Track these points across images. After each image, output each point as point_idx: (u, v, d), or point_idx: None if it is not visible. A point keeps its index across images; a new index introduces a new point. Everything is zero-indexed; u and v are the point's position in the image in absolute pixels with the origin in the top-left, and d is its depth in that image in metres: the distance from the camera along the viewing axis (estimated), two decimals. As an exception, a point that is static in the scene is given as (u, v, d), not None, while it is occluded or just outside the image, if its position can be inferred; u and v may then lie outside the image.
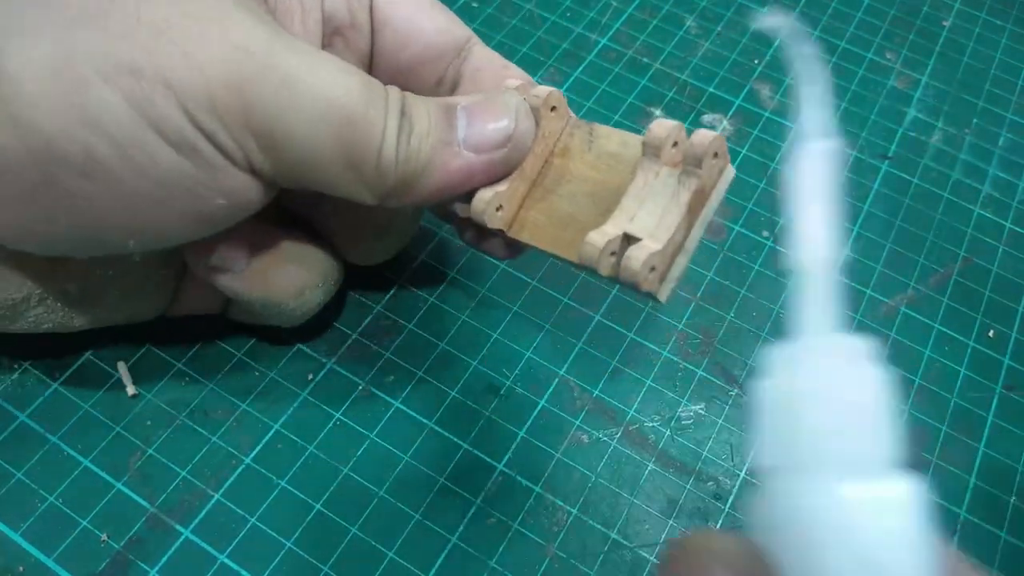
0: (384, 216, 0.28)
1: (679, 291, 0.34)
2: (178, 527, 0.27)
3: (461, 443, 0.29)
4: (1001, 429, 0.32)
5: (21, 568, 0.26)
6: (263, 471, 0.28)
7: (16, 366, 0.30)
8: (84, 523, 0.27)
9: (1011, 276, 0.36)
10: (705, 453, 0.30)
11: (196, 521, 0.27)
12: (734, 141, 0.39)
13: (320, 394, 0.30)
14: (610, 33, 0.43)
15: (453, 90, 0.26)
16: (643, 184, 0.21)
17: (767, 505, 0.12)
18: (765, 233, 0.36)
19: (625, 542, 0.28)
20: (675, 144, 0.21)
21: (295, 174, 0.21)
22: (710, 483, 0.30)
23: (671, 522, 0.28)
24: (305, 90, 0.20)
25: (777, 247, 0.36)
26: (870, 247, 0.36)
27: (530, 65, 0.41)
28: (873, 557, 0.11)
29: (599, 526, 0.28)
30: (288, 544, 0.27)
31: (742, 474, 0.30)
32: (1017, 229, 0.37)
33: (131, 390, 0.29)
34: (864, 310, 0.34)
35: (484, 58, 0.26)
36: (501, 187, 0.23)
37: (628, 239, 0.21)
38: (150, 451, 0.28)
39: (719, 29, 0.44)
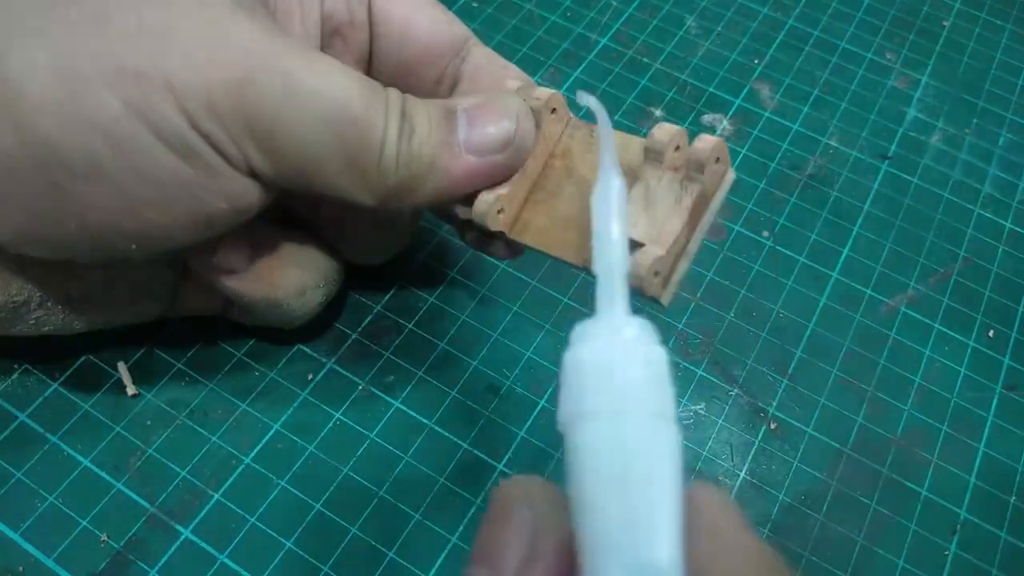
0: (384, 217, 0.28)
1: (679, 291, 0.34)
2: (178, 527, 0.27)
3: (461, 443, 0.29)
4: (1001, 429, 0.32)
5: (21, 568, 0.26)
6: (263, 471, 0.28)
7: (16, 366, 0.30)
8: (84, 523, 0.27)
9: (1011, 276, 0.36)
10: (705, 453, 0.30)
11: (196, 521, 0.27)
12: (734, 141, 0.39)
13: (320, 394, 0.30)
14: (610, 33, 0.43)
15: (452, 90, 0.26)
16: (645, 189, 0.21)
17: (566, 454, 0.14)
18: (765, 233, 0.36)
19: (625, 542, 0.28)
20: (677, 148, 0.21)
21: (295, 177, 0.21)
22: (710, 483, 0.30)
23: (671, 522, 0.28)
24: (306, 93, 0.20)
25: (777, 247, 0.36)
26: (870, 247, 0.36)
27: (530, 65, 0.41)
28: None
29: (599, 526, 0.28)
30: (288, 544, 0.27)
31: (742, 474, 0.30)
32: (1017, 229, 0.37)
33: (131, 390, 0.29)
34: (864, 310, 0.34)
35: (483, 58, 0.26)
36: (502, 190, 0.23)
37: (631, 244, 0.21)
38: (150, 451, 0.28)
39: (719, 29, 0.44)
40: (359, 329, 0.32)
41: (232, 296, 0.26)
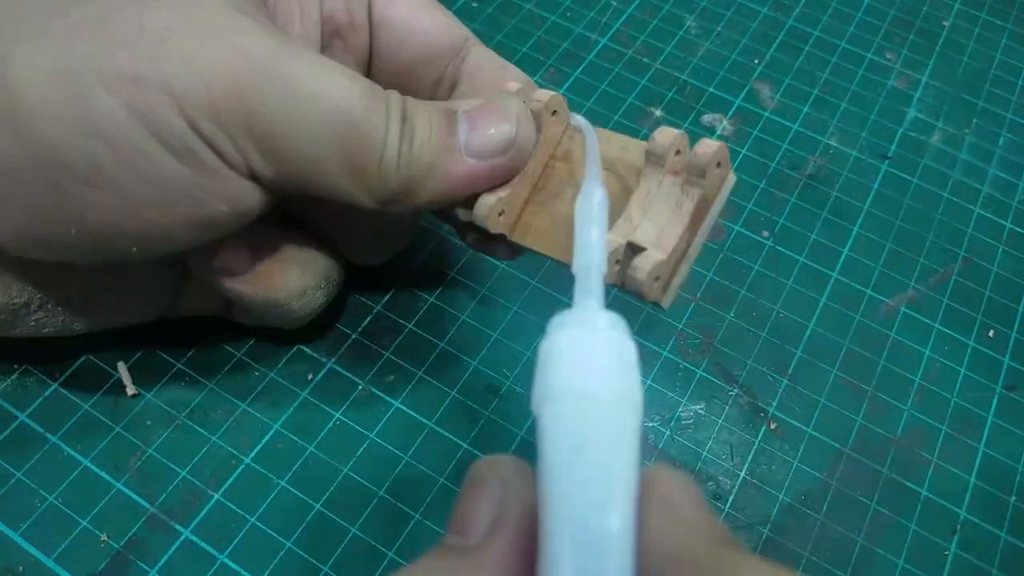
0: (384, 218, 0.28)
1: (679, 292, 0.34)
2: (178, 527, 0.27)
3: (461, 443, 0.29)
4: (1001, 429, 0.32)
5: (21, 568, 0.26)
6: (263, 471, 0.28)
7: (16, 366, 0.30)
8: (84, 523, 0.27)
9: (1011, 276, 0.36)
10: (705, 453, 0.30)
11: (196, 521, 0.27)
12: (734, 141, 0.39)
13: (320, 394, 0.30)
14: (610, 33, 0.43)
15: (452, 90, 0.26)
16: (646, 192, 0.21)
17: (536, 433, 0.15)
18: (765, 233, 0.36)
19: (625, 542, 0.28)
20: (678, 152, 0.21)
21: (296, 180, 0.21)
22: (710, 483, 0.30)
23: (671, 522, 0.28)
24: (307, 96, 0.20)
25: (777, 247, 0.36)
26: (870, 247, 0.36)
27: (530, 65, 0.41)
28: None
29: (599, 526, 0.28)
30: (288, 544, 0.27)
31: (742, 474, 0.30)
32: (1017, 229, 0.37)
33: (131, 390, 0.29)
34: (864, 310, 0.34)
35: (483, 58, 0.26)
36: (503, 192, 0.23)
37: (632, 248, 0.21)
38: (150, 451, 0.28)
39: (719, 29, 0.44)
40: (359, 329, 0.32)
41: (233, 297, 0.26)
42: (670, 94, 0.41)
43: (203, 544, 0.27)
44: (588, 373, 0.15)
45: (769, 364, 0.32)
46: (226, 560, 0.27)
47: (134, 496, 0.27)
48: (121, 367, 0.30)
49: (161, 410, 0.29)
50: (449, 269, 0.34)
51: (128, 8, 0.19)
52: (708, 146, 0.20)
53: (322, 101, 0.20)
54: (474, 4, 0.43)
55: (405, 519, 0.28)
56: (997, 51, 0.44)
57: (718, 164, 0.21)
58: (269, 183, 0.21)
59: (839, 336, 0.33)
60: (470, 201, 0.23)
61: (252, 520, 0.27)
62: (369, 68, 0.27)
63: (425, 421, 0.30)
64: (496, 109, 0.22)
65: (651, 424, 0.31)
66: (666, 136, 0.21)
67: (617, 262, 0.21)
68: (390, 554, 0.27)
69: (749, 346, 0.33)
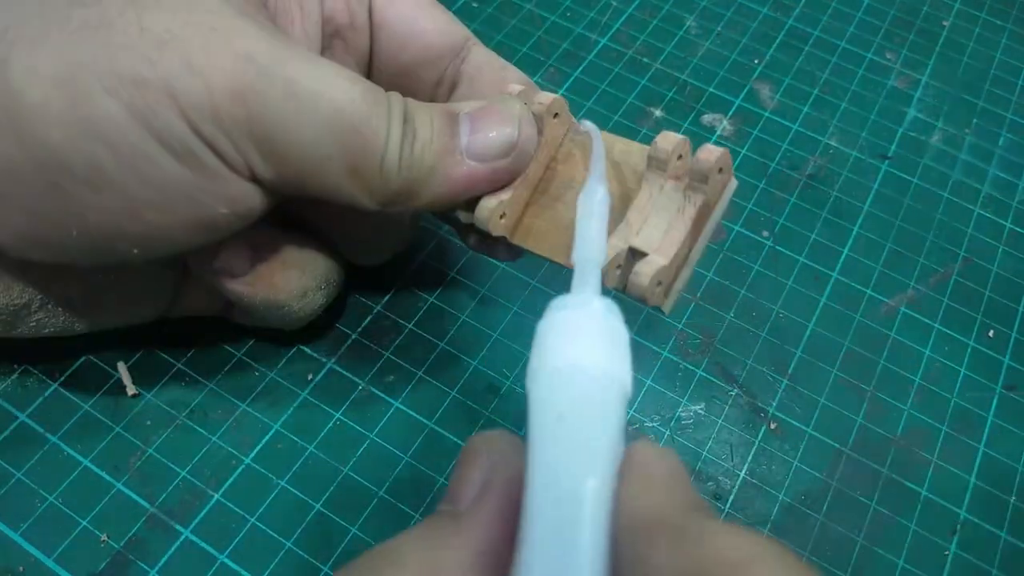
0: (384, 218, 0.28)
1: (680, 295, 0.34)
2: (178, 527, 0.27)
3: (461, 443, 0.29)
4: (1001, 429, 0.32)
5: (21, 568, 0.26)
6: (263, 471, 0.28)
7: (16, 366, 0.30)
8: (84, 523, 0.27)
9: (1011, 276, 0.36)
10: (705, 453, 0.30)
11: (196, 521, 0.27)
12: (734, 141, 0.39)
13: (320, 394, 0.30)
14: (610, 33, 0.43)
15: (452, 91, 0.26)
16: (648, 197, 0.21)
17: (528, 406, 0.16)
18: (765, 233, 0.36)
19: (625, 542, 0.28)
20: (680, 157, 0.21)
21: (297, 182, 0.21)
22: (710, 483, 0.30)
23: (671, 522, 0.28)
24: (308, 98, 0.20)
25: (777, 247, 0.36)
26: (870, 247, 0.36)
27: (530, 65, 0.41)
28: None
29: (599, 526, 0.28)
30: (288, 544, 0.27)
31: (742, 474, 0.30)
32: (1017, 229, 0.37)
33: (131, 390, 0.29)
34: (864, 310, 0.34)
35: (483, 59, 0.26)
36: (504, 195, 0.23)
37: (634, 253, 0.21)
38: (150, 451, 0.28)
39: (719, 29, 0.44)
40: (359, 329, 0.32)
41: (233, 298, 0.26)
42: (670, 94, 0.41)
43: (203, 544, 0.27)
44: (578, 350, 0.16)
45: (769, 364, 0.32)
46: (226, 560, 0.27)
47: (134, 496, 0.27)
48: (121, 367, 0.30)
49: (161, 410, 0.29)
50: (449, 269, 0.34)
51: (129, 11, 0.19)
52: (711, 152, 0.20)
53: (323, 103, 0.20)
54: (474, 4, 0.43)
55: (405, 519, 0.28)
56: (997, 51, 0.44)
57: (720, 170, 0.21)
58: (270, 185, 0.21)
59: (839, 336, 0.33)
60: (471, 203, 0.23)
61: (252, 520, 0.27)
62: (369, 69, 0.27)
63: (425, 421, 0.30)
64: (498, 111, 0.22)
65: (651, 424, 0.31)
66: (669, 141, 0.21)
67: (618, 267, 0.21)
68: (390, 554, 0.27)
69: (749, 346, 0.33)
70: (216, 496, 0.28)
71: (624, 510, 0.14)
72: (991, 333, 0.34)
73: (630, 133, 0.39)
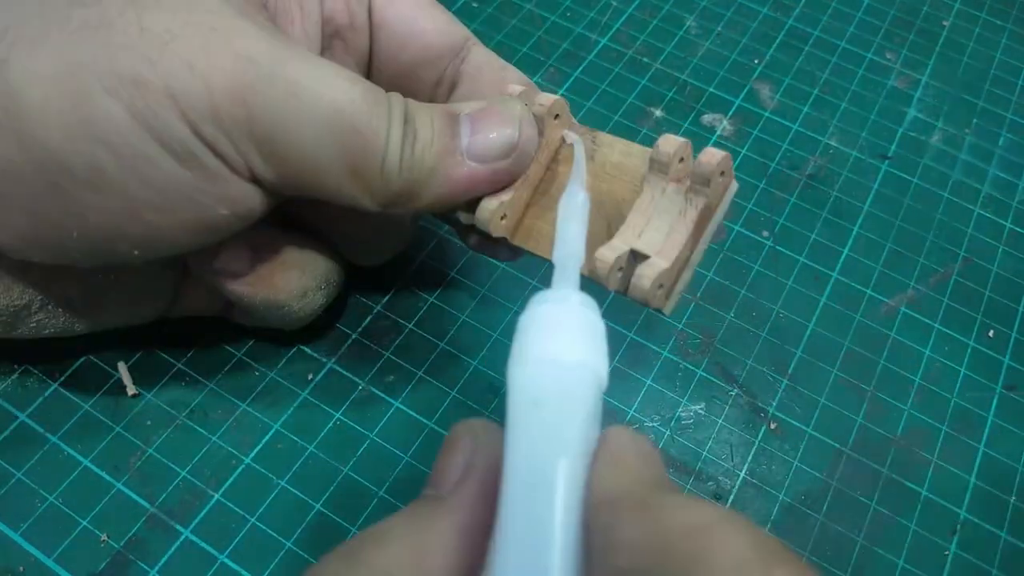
0: (384, 219, 0.28)
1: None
2: (178, 527, 0.27)
3: (461, 443, 0.29)
4: (1001, 429, 0.32)
5: (21, 568, 0.26)
6: (263, 471, 0.28)
7: (16, 366, 0.30)
8: (84, 523, 0.27)
9: (1011, 276, 0.36)
10: (705, 453, 0.30)
11: (196, 521, 0.27)
12: (734, 141, 0.39)
13: (320, 394, 0.30)
14: (610, 33, 0.43)
15: (451, 91, 0.26)
16: (650, 200, 0.21)
17: (507, 394, 0.16)
18: (765, 233, 0.36)
19: (625, 542, 0.28)
20: (681, 160, 0.21)
21: (297, 182, 0.21)
22: (710, 483, 0.30)
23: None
24: (309, 99, 0.20)
25: (777, 247, 0.36)
26: (870, 247, 0.36)
27: (530, 65, 0.41)
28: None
29: (599, 526, 0.28)
30: (288, 544, 0.27)
31: (742, 474, 0.30)
32: (1017, 229, 0.37)
33: (131, 390, 0.29)
34: (864, 310, 0.34)
35: (483, 59, 0.26)
36: (505, 196, 0.23)
37: (636, 255, 0.21)
38: (150, 451, 0.28)
39: (719, 29, 0.44)
40: (359, 329, 0.32)
41: (233, 298, 0.26)
42: (670, 94, 0.41)
43: (203, 544, 0.27)
44: (555, 341, 0.17)
45: (769, 364, 0.32)
46: (226, 560, 0.27)
47: (134, 496, 0.27)
48: (121, 367, 0.30)
49: (161, 410, 0.29)
50: (449, 269, 0.34)
51: (129, 11, 0.19)
52: (712, 155, 0.20)
53: (323, 104, 0.20)
54: (474, 4, 0.43)
55: (405, 519, 0.28)
56: (997, 51, 0.44)
57: (722, 173, 0.21)
58: (270, 186, 0.21)
59: (839, 336, 0.33)
60: (472, 204, 0.23)
61: (252, 520, 0.27)
62: (369, 69, 0.27)
63: (425, 421, 0.30)
64: (498, 112, 0.22)
65: (651, 424, 0.31)
66: (670, 144, 0.21)
67: (620, 269, 0.21)
68: (390, 554, 0.27)
69: (749, 346, 0.33)
70: (216, 496, 0.28)
71: (594, 489, 0.15)
72: (991, 333, 0.34)
73: (630, 133, 0.39)
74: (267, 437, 0.29)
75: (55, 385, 0.29)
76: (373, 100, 0.20)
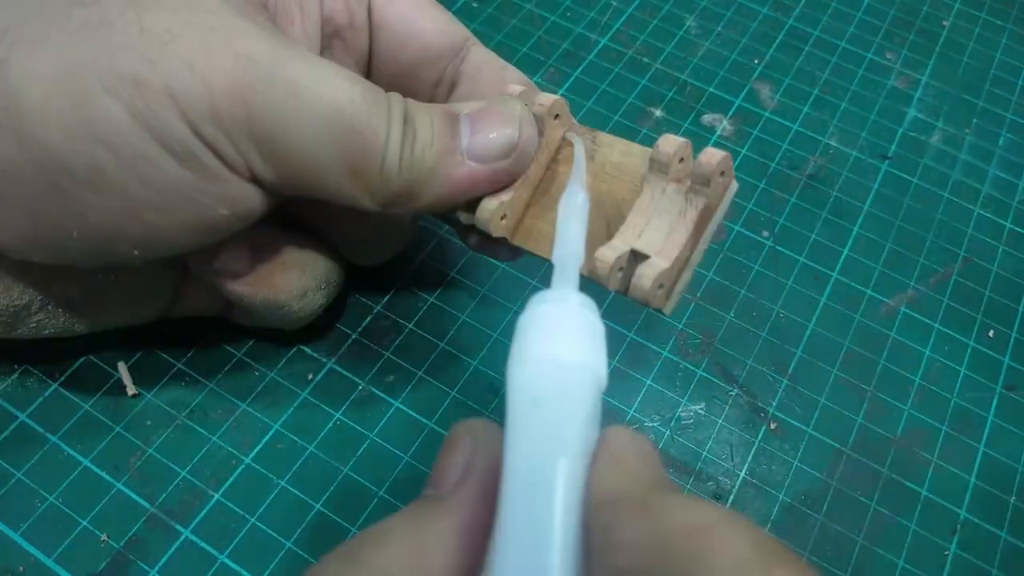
0: (384, 219, 0.28)
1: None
2: (178, 527, 0.27)
3: (461, 443, 0.29)
4: (1001, 429, 0.32)
5: (21, 568, 0.26)
6: (263, 471, 0.28)
7: (16, 366, 0.30)
8: (84, 523, 0.27)
9: (1011, 276, 0.36)
10: (705, 453, 0.30)
11: (196, 521, 0.27)
12: (734, 141, 0.39)
13: (320, 394, 0.30)
14: (610, 33, 0.43)
15: (451, 91, 0.26)
16: (650, 200, 0.21)
17: (506, 394, 0.16)
18: (765, 233, 0.36)
19: (625, 542, 0.28)
20: (681, 160, 0.21)
21: (297, 182, 0.21)
22: (710, 483, 0.30)
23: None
24: (309, 99, 0.20)
25: (777, 247, 0.36)
26: (870, 247, 0.36)
27: (530, 65, 0.41)
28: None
29: (599, 526, 0.28)
30: (288, 544, 0.27)
31: (742, 474, 0.30)
32: (1017, 229, 0.37)
33: (131, 390, 0.29)
34: (864, 310, 0.34)
35: (482, 59, 0.26)
36: (505, 196, 0.23)
37: (636, 255, 0.21)
38: (150, 451, 0.28)
39: (719, 29, 0.44)
40: (359, 329, 0.32)
41: (233, 298, 0.26)
42: (670, 94, 0.41)
43: (203, 544, 0.27)
44: (554, 341, 0.17)
45: (769, 364, 0.32)
46: (226, 560, 0.27)
47: (134, 496, 0.27)
48: (121, 367, 0.30)
49: (161, 410, 0.29)
50: (449, 269, 0.34)
51: (129, 11, 0.19)
52: (712, 155, 0.20)
53: (323, 103, 0.20)
54: (474, 4, 0.43)
55: (405, 519, 0.28)
56: (997, 51, 0.44)
57: (722, 173, 0.21)
58: (270, 186, 0.21)
59: (839, 336, 0.33)
60: (472, 204, 0.23)
61: (252, 520, 0.27)
62: (369, 69, 0.27)
63: (425, 421, 0.30)
64: (498, 112, 0.22)
65: (651, 424, 0.31)
66: (670, 144, 0.21)
67: (620, 269, 0.21)
68: (390, 554, 0.27)
69: (749, 346, 0.33)
70: (216, 496, 0.28)
71: (594, 489, 0.15)
72: (991, 333, 0.34)
73: (630, 133, 0.39)
74: (267, 437, 0.29)
75: (55, 385, 0.29)
76: (373, 100, 0.20)
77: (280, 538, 0.27)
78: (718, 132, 0.39)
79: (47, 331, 0.25)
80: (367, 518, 0.28)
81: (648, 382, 0.32)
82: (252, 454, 0.29)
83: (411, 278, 0.33)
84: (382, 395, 0.30)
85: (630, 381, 0.31)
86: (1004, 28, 0.46)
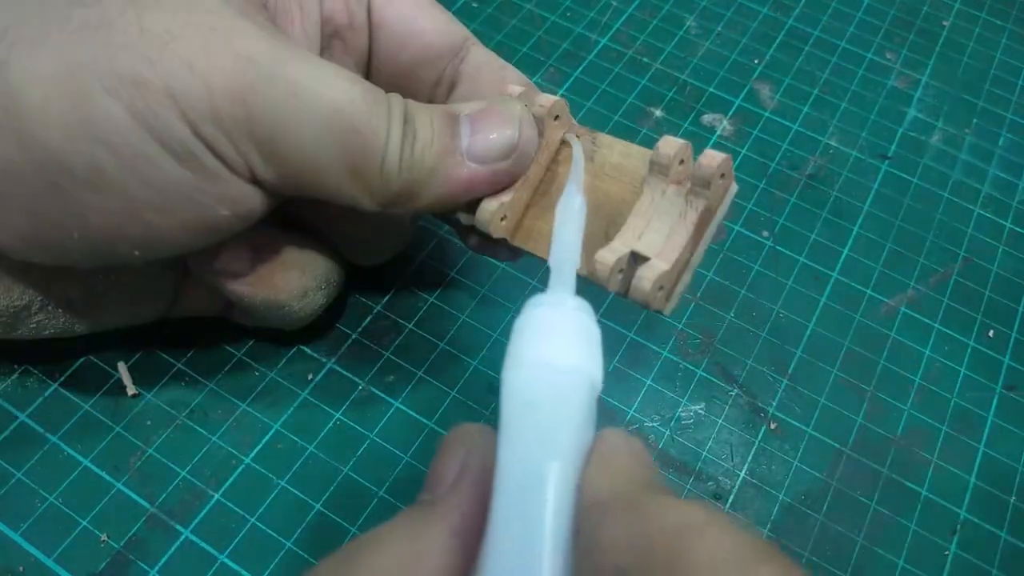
0: (384, 219, 0.28)
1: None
2: (178, 527, 0.27)
3: (461, 443, 0.29)
4: (1001, 429, 0.32)
5: (21, 568, 0.26)
6: (263, 471, 0.28)
7: (16, 366, 0.30)
8: (84, 523, 0.27)
9: (1011, 276, 0.36)
10: (705, 453, 0.30)
11: (196, 521, 0.27)
12: (734, 141, 0.39)
13: (320, 394, 0.30)
14: (610, 33, 0.43)
15: (450, 91, 0.26)
16: (650, 202, 0.21)
17: (500, 397, 0.17)
18: (765, 233, 0.36)
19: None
20: (681, 162, 0.21)
21: (298, 183, 0.21)
22: (710, 483, 0.30)
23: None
24: (309, 99, 0.20)
25: (777, 247, 0.36)
26: (870, 247, 0.36)
27: (530, 65, 0.41)
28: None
29: (599, 526, 0.28)
30: (288, 544, 0.27)
31: (742, 474, 0.30)
32: (1017, 229, 0.37)
33: (131, 390, 0.29)
34: (864, 310, 0.34)
35: (482, 59, 0.26)
36: (505, 197, 0.23)
37: (636, 257, 0.21)
38: (150, 451, 0.28)
39: (719, 29, 0.44)
40: (359, 329, 0.32)
41: (234, 298, 0.26)
42: (670, 94, 0.41)
43: (203, 544, 0.27)
44: (550, 345, 0.17)
45: (769, 364, 0.32)
46: (226, 560, 0.27)
47: (134, 496, 0.27)
48: (121, 367, 0.30)
49: (161, 410, 0.29)
50: (449, 269, 0.34)
51: (129, 11, 0.19)
52: (712, 157, 0.20)
53: (323, 104, 0.20)
54: (474, 4, 0.43)
55: (405, 519, 0.28)
56: (997, 51, 0.44)
57: (722, 175, 0.21)
58: (271, 186, 0.21)
59: (839, 336, 0.33)
60: (472, 205, 0.23)
61: (252, 520, 0.27)
62: (368, 69, 0.27)
63: (425, 421, 0.30)
64: (498, 113, 0.22)
65: (651, 424, 0.31)
66: (670, 146, 0.21)
67: (620, 271, 0.21)
68: (390, 554, 0.27)
69: (749, 346, 0.33)
70: (216, 496, 0.28)
71: (586, 491, 0.15)
72: (991, 333, 0.34)
73: (630, 133, 0.39)
74: (267, 437, 0.29)
75: (55, 385, 0.29)
76: (373, 100, 0.20)
77: (280, 538, 0.27)
78: (718, 132, 0.39)
79: (47, 332, 0.25)
80: (367, 518, 0.28)
81: (648, 382, 0.32)
82: (252, 454, 0.29)
83: (411, 278, 0.33)
84: (382, 395, 0.30)
85: (630, 381, 0.31)
86: (1004, 28, 0.46)
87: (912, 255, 0.36)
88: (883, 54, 0.44)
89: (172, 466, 0.28)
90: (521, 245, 0.24)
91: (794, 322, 0.34)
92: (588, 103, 0.40)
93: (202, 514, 0.27)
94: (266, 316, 0.27)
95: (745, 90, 0.41)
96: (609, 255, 0.21)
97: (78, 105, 0.18)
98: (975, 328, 0.34)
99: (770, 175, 0.38)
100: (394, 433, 0.29)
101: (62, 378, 0.30)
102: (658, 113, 0.40)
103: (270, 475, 0.28)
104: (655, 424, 0.31)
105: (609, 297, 0.33)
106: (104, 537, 0.27)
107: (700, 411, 0.31)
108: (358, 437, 0.29)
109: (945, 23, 0.45)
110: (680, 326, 0.33)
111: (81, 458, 0.28)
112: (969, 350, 0.34)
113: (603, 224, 0.23)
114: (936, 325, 0.34)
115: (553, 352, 0.17)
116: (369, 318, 0.32)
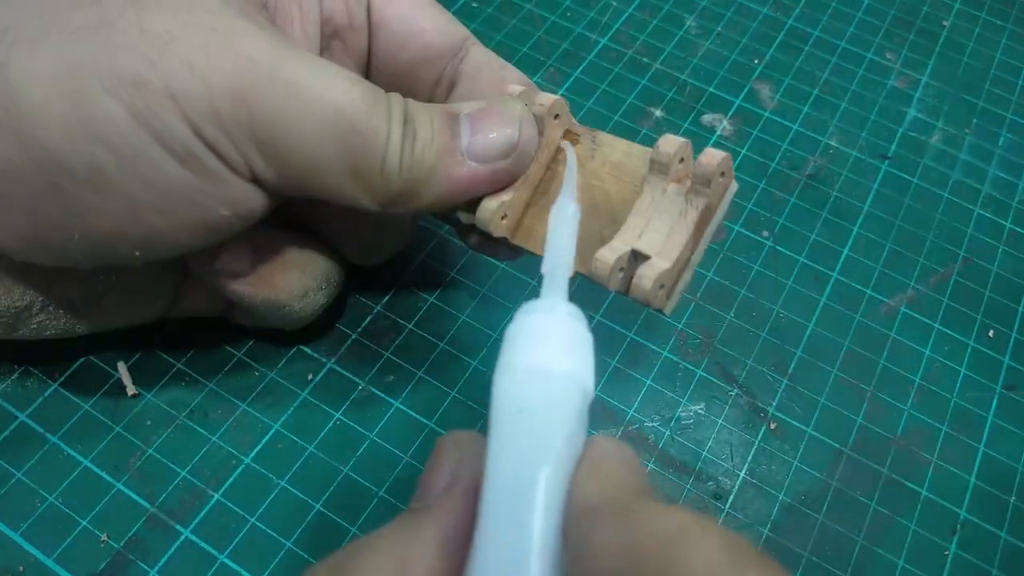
0: (384, 218, 0.28)
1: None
2: (178, 527, 0.27)
3: (461, 443, 0.29)
4: (1001, 429, 0.32)
5: (21, 568, 0.26)
6: (263, 471, 0.28)
7: (16, 367, 0.30)
8: (84, 523, 0.27)
9: (1011, 276, 0.36)
10: (705, 453, 0.30)
11: (196, 521, 0.27)
12: (734, 141, 0.39)
13: (320, 394, 0.30)
14: (610, 33, 0.43)
15: (450, 91, 0.26)
16: (650, 201, 0.21)
17: (492, 401, 0.17)
18: (765, 233, 0.36)
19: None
20: (681, 160, 0.21)
21: (298, 183, 0.21)
22: (710, 483, 0.30)
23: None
24: (310, 99, 0.20)
25: (777, 247, 0.36)
26: (870, 247, 0.36)
27: (530, 65, 0.41)
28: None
29: (599, 526, 0.28)
30: (288, 544, 0.27)
31: (742, 474, 0.30)
32: (1017, 229, 0.37)
33: (131, 390, 0.29)
34: (864, 310, 0.34)
35: (482, 59, 0.26)
36: (505, 196, 0.23)
37: (636, 256, 0.21)
38: (150, 451, 0.28)
39: (719, 29, 0.44)
40: (359, 329, 0.32)
41: (234, 299, 0.26)
42: (670, 94, 0.41)
43: (203, 544, 0.27)
44: (541, 351, 0.17)
45: (769, 364, 0.32)
46: (226, 560, 0.27)
47: (134, 496, 0.27)
48: (121, 367, 0.30)
49: (161, 410, 0.29)
50: (449, 269, 0.34)
51: (129, 11, 0.19)
52: (713, 156, 0.20)
53: (323, 104, 0.20)
54: (474, 4, 0.43)
55: (405, 519, 0.28)
56: (997, 51, 0.44)
57: (722, 174, 0.21)
58: (271, 186, 0.21)
59: (839, 336, 0.33)
60: (472, 204, 0.23)
61: (252, 520, 0.27)
62: (368, 69, 0.27)
63: (425, 421, 0.30)
64: (498, 112, 0.22)
65: (651, 424, 0.31)
66: (670, 145, 0.21)
67: (621, 269, 0.21)
68: (390, 554, 0.27)
69: (749, 346, 0.33)
70: (216, 496, 0.28)
71: (575, 497, 0.15)
72: (991, 333, 0.34)
73: (630, 133, 0.39)
74: (267, 437, 0.29)
75: (55, 385, 0.29)
76: (373, 100, 0.20)
77: (280, 538, 0.27)
78: (718, 132, 0.39)
79: (48, 332, 0.25)
80: (367, 518, 0.28)
81: (648, 382, 0.32)
82: (252, 454, 0.29)
83: (411, 278, 0.33)
84: (382, 395, 0.30)
85: (630, 381, 0.32)
86: (1004, 28, 0.45)
87: (912, 255, 0.36)
88: (883, 54, 0.44)
89: (172, 466, 0.28)
90: (521, 244, 0.24)
91: (794, 322, 0.34)
92: (588, 103, 0.40)
93: (202, 514, 0.27)
94: (266, 316, 0.27)
95: (745, 90, 0.41)
96: (610, 254, 0.21)
97: (78, 105, 0.18)
98: (975, 328, 0.34)
99: (770, 175, 0.38)
100: (394, 433, 0.29)
101: (62, 378, 0.30)
102: (658, 113, 0.40)
103: (270, 475, 0.28)
104: (655, 424, 0.31)
105: (609, 297, 0.33)
106: (104, 537, 0.27)
107: (700, 411, 0.31)
108: (358, 437, 0.29)
109: (945, 23, 0.45)
110: (680, 326, 0.33)
111: (81, 458, 0.28)
112: (969, 350, 0.34)
113: (603, 223, 0.23)
114: (936, 325, 0.34)
115: (546, 358, 0.17)
116: (369, 318, 0.32)
